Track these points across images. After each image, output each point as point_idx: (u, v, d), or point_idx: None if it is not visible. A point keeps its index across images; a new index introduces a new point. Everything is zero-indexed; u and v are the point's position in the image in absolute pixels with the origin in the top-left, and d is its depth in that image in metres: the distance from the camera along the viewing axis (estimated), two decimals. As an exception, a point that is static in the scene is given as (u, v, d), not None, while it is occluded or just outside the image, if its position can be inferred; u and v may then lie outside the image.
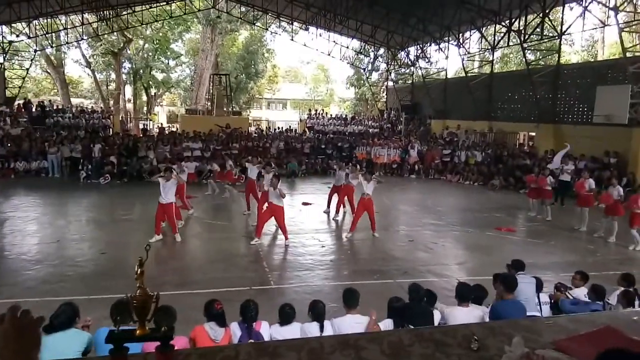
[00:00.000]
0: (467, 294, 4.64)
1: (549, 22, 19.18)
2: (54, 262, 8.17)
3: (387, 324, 4.26)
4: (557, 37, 19.70)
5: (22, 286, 7.06)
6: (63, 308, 3.74)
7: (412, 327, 4.09)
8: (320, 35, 30.95)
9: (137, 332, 1.47)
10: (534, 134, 21.17)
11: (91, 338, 3.70)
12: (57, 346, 3.45)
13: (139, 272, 1.48)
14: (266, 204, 9.90)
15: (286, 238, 9.73)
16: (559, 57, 20.04)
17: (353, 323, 4.23)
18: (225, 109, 27.83)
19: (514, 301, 4.52)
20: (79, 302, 4.11)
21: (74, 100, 38.37)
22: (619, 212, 10.54)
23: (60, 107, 26.66)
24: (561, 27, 19.29)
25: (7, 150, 18.11)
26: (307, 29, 30.65)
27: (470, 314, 4.42)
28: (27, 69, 29.04)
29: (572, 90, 19.07)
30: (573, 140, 16.67)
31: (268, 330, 4.15)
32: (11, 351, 1.14)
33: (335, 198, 12.37)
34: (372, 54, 33.40)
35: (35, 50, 28.83)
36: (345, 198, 12.00)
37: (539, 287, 5.48)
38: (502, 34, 21.96)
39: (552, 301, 5.50)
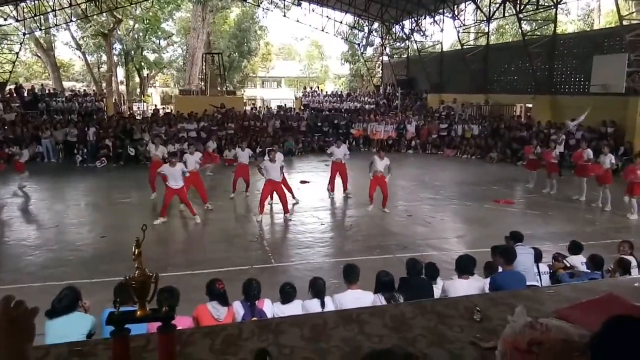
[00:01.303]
0: (468, 266, 4.66)
1: (545, -9, 18.92)
2: (53, 247, 8.18)
3: (376, 300, 4.27)
4: (553, 7, 19.46)
5: (23, 272, 7.07)
6: (65, 292, 3.74)
7: (406, 299, 4.12)
8: (313, 11, 30.50)
9: (138, 313, 1.46)
10: (530, 105, 21.08)
11: (94, 320, 3.71)
12: (61, 330, 3.46)
13: (136, 252, 1.47)
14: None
15: (286, 212, 9.93)
16: (555, 27, 19.83)
17: (354, 298, 4.25)
18: (219, 89, 27.54)
19: (514, 272, 4.55)
20: (80, 286, 4.12)
21: (66, 84, 37.90)
22: (608, 180, 10.65)
23: (52, 91, 26.31)
24: (557, -4, 19.05)
25: (3, 136, 17.94)
26: (299, 4, 30.17)
27: (470, 286, 4.45)
28: (17, 53, 28.55)
29: (569, 60, 18.92)
30: (570, 111, 16.62)
31: (271, 308, 4.17)
32: (2, 346, 1.10)
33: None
34: (366, 29, 32.97)
35: (24, 34, 28.29)
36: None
37: (538, 257, 5.51)
38: (497, 5, 21.66)
39: (551, 271, 5.54)
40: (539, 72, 19.58)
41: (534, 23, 21.62)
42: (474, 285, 4.53)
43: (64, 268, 7.19)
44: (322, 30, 31.68)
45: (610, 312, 1.15)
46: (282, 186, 10.26)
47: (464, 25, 24.83)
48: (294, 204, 10.97)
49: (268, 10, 36.01)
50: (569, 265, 5.55)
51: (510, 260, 4.56)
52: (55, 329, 3.50)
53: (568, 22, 35.72)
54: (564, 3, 21.43)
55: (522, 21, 20.10)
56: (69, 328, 3.55)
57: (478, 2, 22.90)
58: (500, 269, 4.68)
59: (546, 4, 19.05)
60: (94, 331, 3.68)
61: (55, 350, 1.79)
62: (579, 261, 5.63)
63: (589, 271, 5.32)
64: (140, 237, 1.47)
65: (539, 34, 20.97)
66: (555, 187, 12.40)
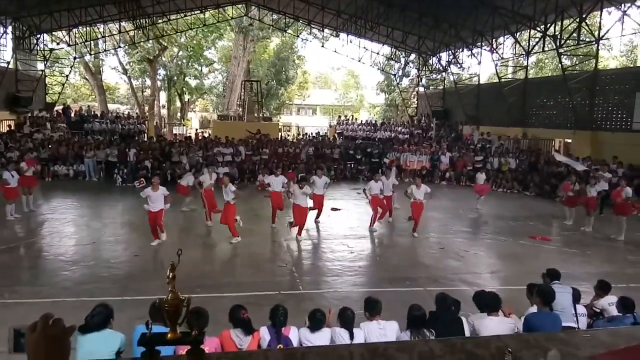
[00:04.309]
0: (496, 303, 4.52)
1: (586, 27, 18.68)
2: (89, 264, 8.41)
3: (403, 336, 4.19)
4: (594, 42, 19.16)
5: (59, 286, 7.29)
6: (98, 309, 3.84)
7: (435, 336, 4.03)
8: (351, 42, 30.99)
9: (169, 335, 1.50)
10: (570, 140, 20.59)
11: (124, 338, 3.78)
12: (92, 346, 3.54)
13: (170, 276, 1.51)
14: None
15: (299, 234, 10.54)
16: (596, 62, 19.47)
17: (378, 328, 4.26)
18: (256, 115, 28.17)
19: (549, 313, 4.37)
20: (112, 303, 4.21)
21: (111, 106, 39.55)
22: None
23: (96, 112, 27.49)
24: (599, 32, 18.78)
25: (49, 154, 18.76)
26: (337, 36, 30.73)
27: (501, 325, 4.31)
28: (67, 76, 30.10)
29: (611, 96, 18.48)
30: (610, 147, 16.14)
31: (297, 336, 4.15)
32: None
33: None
34: (402, 60, 33.20)
35: (75, 58, 29.89)
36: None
37: (577, 298, 5.30)
38: (537, 39, 21.48)
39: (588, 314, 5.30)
40: (579, 107, 19.18)
41: (575, 58, 21.31)
42: (505, 324, 4.38)
43: (98, 284, 7.36)
44: (359, 60, 32.10)
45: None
46: (307, 211, 10.85)
47: (502, 58, 24.69)
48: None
49: (307, 40, 36.93)
50: (598, 310, 5.30)
51: (548, 301, 4.35)
52: (86, 344, 3.58)
53: (610, 58, 34.99)
54: (606, 39, 21.05)
55: (562, 56, 19.86)
56: (100, 344, 3.62)
57: (517, 36, 22.79)
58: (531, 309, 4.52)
59: (587, 39, 18.79)
60: (124, 349, 3.75)
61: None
62: (607, 302, 5.37)
63: (620, 314, 5.03)
64: (175, 262, 1.52)
65: (579, 69, 20.64)
66: (592, 224, 12.00)
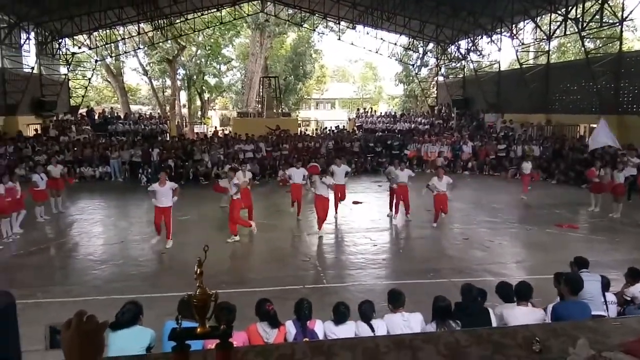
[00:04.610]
0: (526, 292, 4.46)
1: (609, 8, 18.13)
2: (118, 262, 8.60)
3: (428, 327, 4.19)
4: (618, 24, 18.62)
5: (89, 285, 7.48)
6: (128, 306, 3.93)
7: (461, 327, 4.00)
8: (368, 33, 30.77)
9: (198, 330, 1.53)
10: (595, 125, 20.09)
11: (154, 334, 3.87)
12: (123, 342, 3.63)
13: (198, 272, 1.54)
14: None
15: (319, 228, 10.50)
16: (620, 44, 18.93)
17: (402, 320, 4.26)
18: (275, 111, 28.24)
19: (578, 302, 4.29)
20: (141, 300, 4.31)
21: (133, 107, 40.21)
22: None
23: (119, 114, 27.99)
24: (622, 12, 18.24)
25: (74, 156, 19.19)
26: (354, 28, 30.55)
27: (530, 315, 4.25)
28: (89, 79, 30.66)
29: (637, 78, 17.94)
30: (638, 131, 15.70)
31: (322, 329, 4.18)
32: (75, 358, 1.18)
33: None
34: (420, 50, 32.81)
35: (96, 61, 30.47)
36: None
37: (606, 286, 5.19)
38: (558, 23, 20.99)
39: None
40: (604, 91, 18.68)
41: (598, 41, 20.75)
42: (534, 314, 4.32)
43: (127, 282, 7.53)
44: (376, 52, 31.86)
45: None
46: (329, 202, 10.82)
47: (522, 44, 24.18)
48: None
49: (323, 34, 36.81)
50: (629, 298, 5.19)
51: (576, 291, 4.27)
52: (117, 341, 3.67)
53: (635, 39, 33.95)
54: (630, 20, 20.43)
55: (585, 39, 19.35)
56: (131, 341, 3.71)
57: (537, 21, 22.30)
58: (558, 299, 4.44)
59: (611, 21, 18.25)
60: (154, 345, 3.84)
61: (120, 362, 1.90)
62: (637, 290, 5.25)
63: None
64: (202, 258, 1.55)
65: (603, 52, 20.08)
66: (619, 210, 11.73)
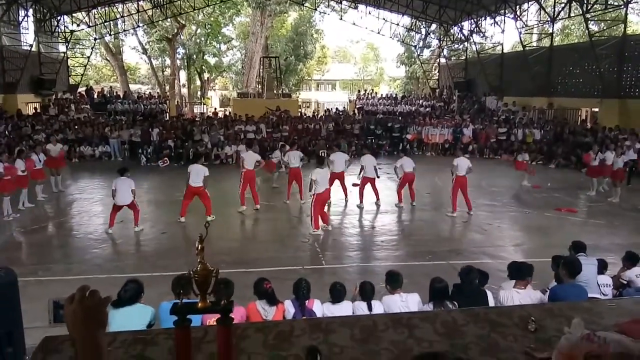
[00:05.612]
0: (525, 271, 4.51)
1: (615, -10, 17.94)
2: (118, 241, 8.66)
3: (425, 307, 4.23)
4: (622, 6, 18.40)
5: (90, 263, 7.54)
6: (130, 285, 3.99)
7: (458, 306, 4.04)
8: (370, 13, 30.39)
9: (199, 304, 1.55)
10: (597, 109, 20.01)
11: (154, 312, 3.92)
12: (124, 319, 3.69)
13: (199, 248, 1.56)
14: None
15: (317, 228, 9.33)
16: (625, 27, 18.74)
17: (400, 300, 4.31)
18: (275, 92, 28.06)
19: (576, 285, 4.33)
20: (142, 279, 4.36)
21: (132, 87, 39.89)
22: None
23: (119, 93, 27.83)
24: (628, -6, 18.01)
25: (75, 135, 19.14)
26: (356, 7, 30.17)
27: (527, 298, 4.30)
28: (88, 57, 30.43)
29: (640, 62, 17.84)
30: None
31: (320, 308, 4.23)
32: (78, 332, 1.20)
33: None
34: (423, 31, 32.46)
35: (95, 39, 30.11)
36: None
37: (604, 268, 5.24)
38: (562, 5, 20.74)
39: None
40: (607, 74, 18.55)
41: (602, 23, 20.53)
42: (531, 296, 4.37)
43: (128, 261, 7.60)
44: (378, 32, 31.52)
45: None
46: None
47: (526, 26, 23.93)
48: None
49: (324, 13, 36.34)
50: (625, 281, 5.24)
51: (574, 274, 4.32)
52: (119, 318, 3.73)
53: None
54: (635, 2, 20.18)
55: (589, 22, 19.13)
56: (132, 318, 3.77)
57: (542, 2, 22.02)
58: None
59: (616, 3, 18.03)
60: (154, 322, 3.90)
61: (121, 337, 1.93)
62: (634, 274, 5.30)
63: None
64: (203, 234, 1.56)
65: (607, 34, 19.89)
66: (619, 194, 11.75)
